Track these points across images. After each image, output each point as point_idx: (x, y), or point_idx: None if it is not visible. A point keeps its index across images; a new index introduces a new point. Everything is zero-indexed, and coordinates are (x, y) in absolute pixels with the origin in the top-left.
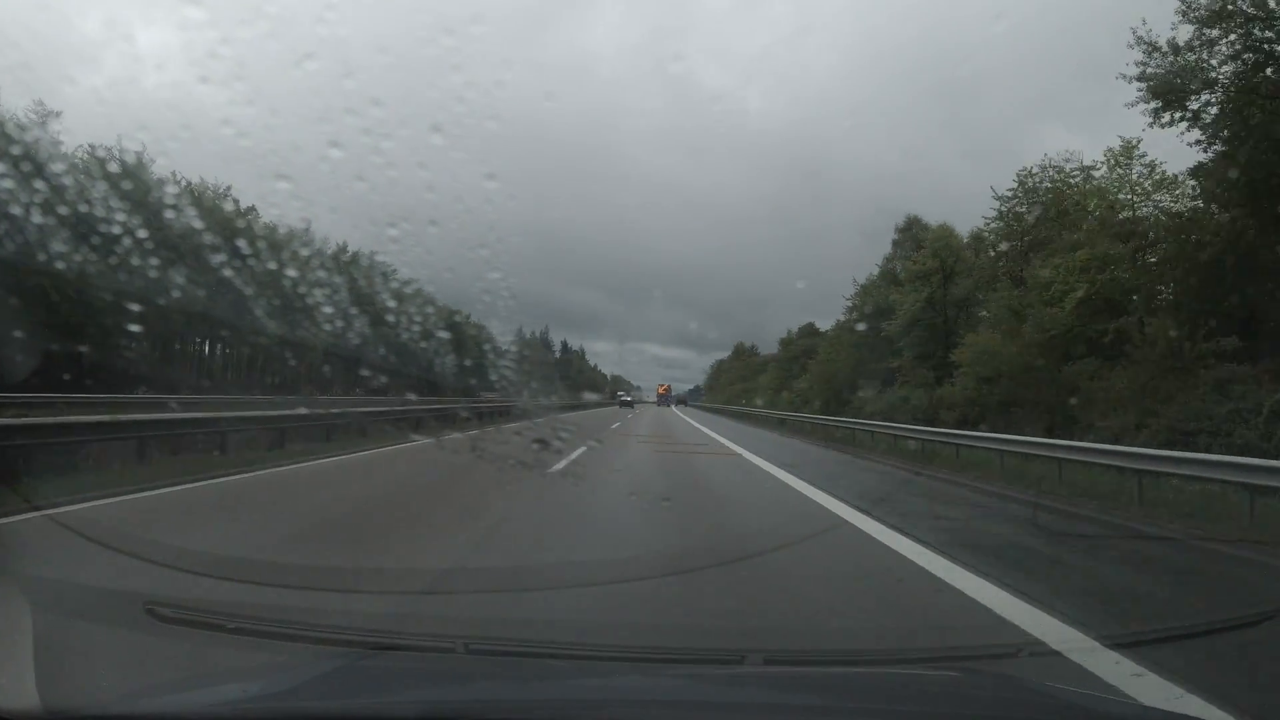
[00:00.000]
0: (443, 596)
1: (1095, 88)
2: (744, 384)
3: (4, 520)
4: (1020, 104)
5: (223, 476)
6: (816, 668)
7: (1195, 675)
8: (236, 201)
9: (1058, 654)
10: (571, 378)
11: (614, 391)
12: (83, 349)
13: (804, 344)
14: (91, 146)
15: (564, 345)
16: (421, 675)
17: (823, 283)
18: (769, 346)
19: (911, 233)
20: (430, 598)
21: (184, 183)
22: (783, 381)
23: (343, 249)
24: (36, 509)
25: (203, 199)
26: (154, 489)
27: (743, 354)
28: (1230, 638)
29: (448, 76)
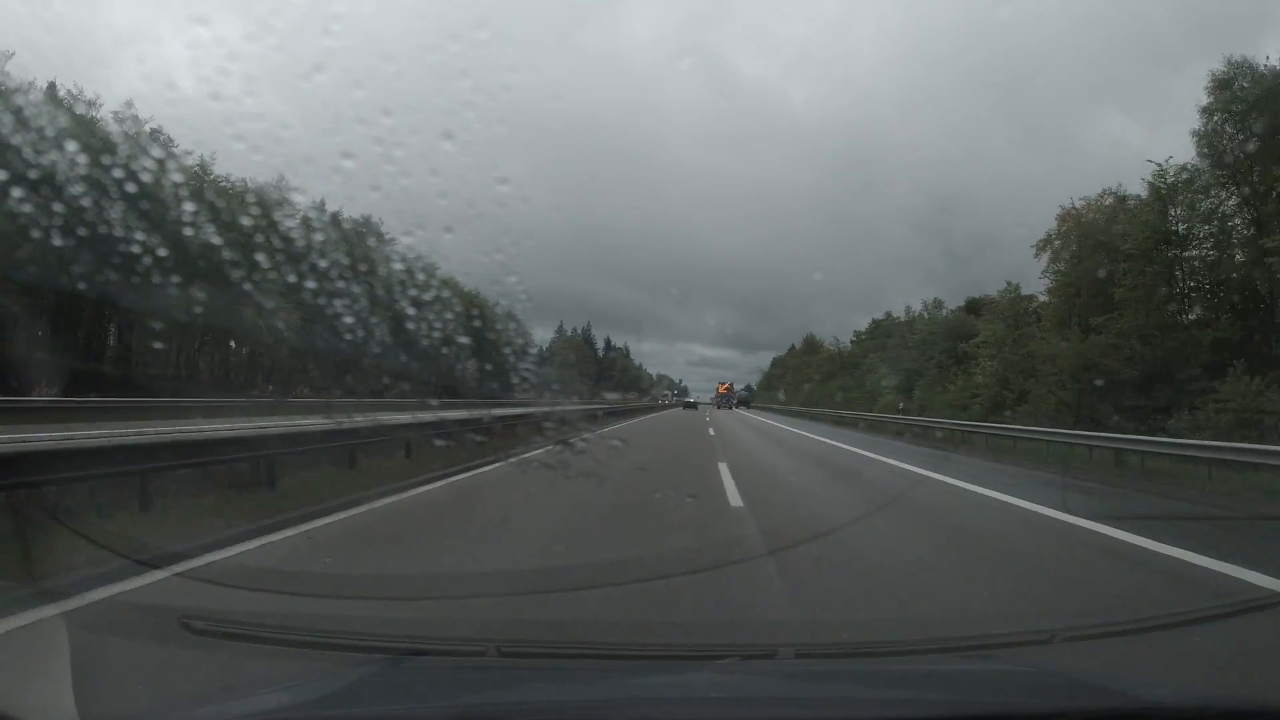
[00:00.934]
0: (473, 600)
1: (1154, 71)
2: (828, 381)
3: (131, 584)
4: (1075, 89)
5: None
6: (849, 660)
7: None
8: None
9: (1091, 638)
10: (615, 377)
11: (659, 391)
12: (104, 368)
13: (928, 327)
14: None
15: (607, 343)
16: (453, 680)
17: (874, 276)
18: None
19: (1233, 90)
20: (460, 601)
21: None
22: (907, 379)
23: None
24: (150, 565)
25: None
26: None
27: (815, 348)
28: None
29: (455, 83)
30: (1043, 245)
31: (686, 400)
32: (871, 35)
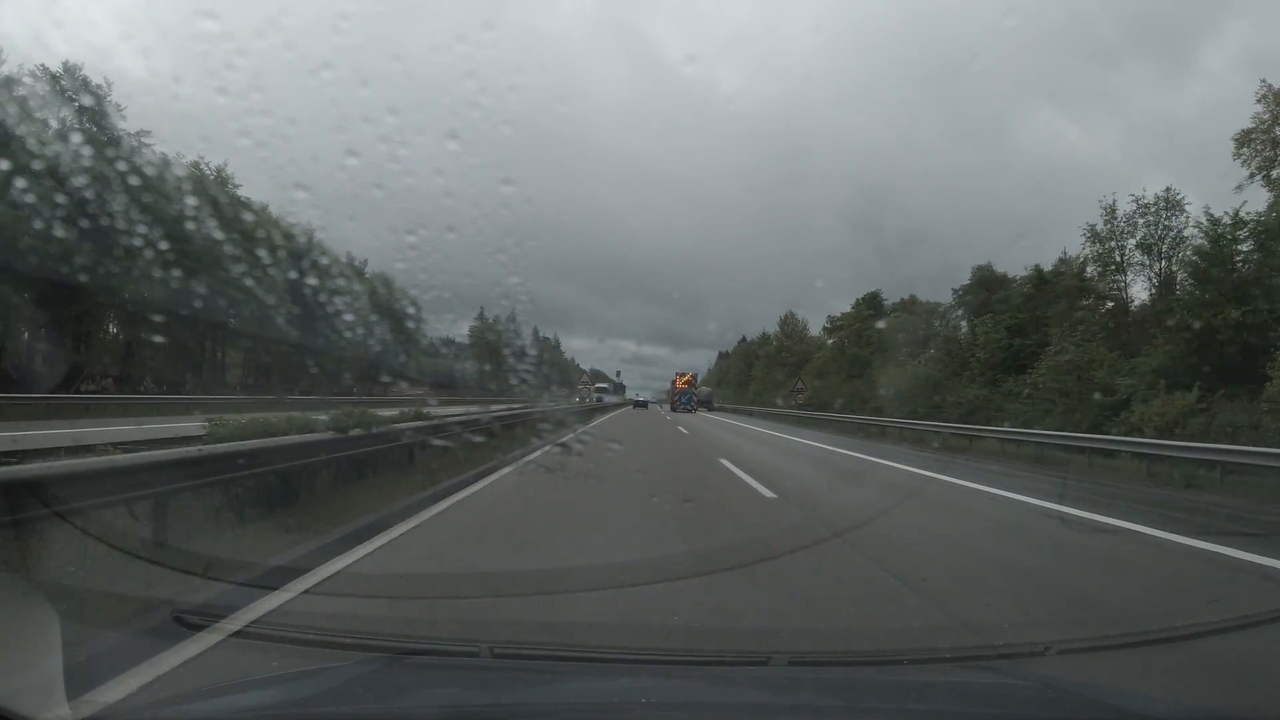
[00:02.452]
0: (468, 600)
1: (1089, 67)
2: (850, 379)
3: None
4: (1009, 84)
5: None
6: (842, 668)
7: None
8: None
9: (1085, 651)
10: (544, 370)
11: (582, 387)
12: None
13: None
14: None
15: (535, 333)
16: (446, 680)
17: (805, 272)
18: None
19: None
20: (455, 602)
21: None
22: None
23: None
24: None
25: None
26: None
27: (794, 332)
28: None
29: (462, 83)
30: (1246, 137)
31: (637, 399)
32: (804, 24)
